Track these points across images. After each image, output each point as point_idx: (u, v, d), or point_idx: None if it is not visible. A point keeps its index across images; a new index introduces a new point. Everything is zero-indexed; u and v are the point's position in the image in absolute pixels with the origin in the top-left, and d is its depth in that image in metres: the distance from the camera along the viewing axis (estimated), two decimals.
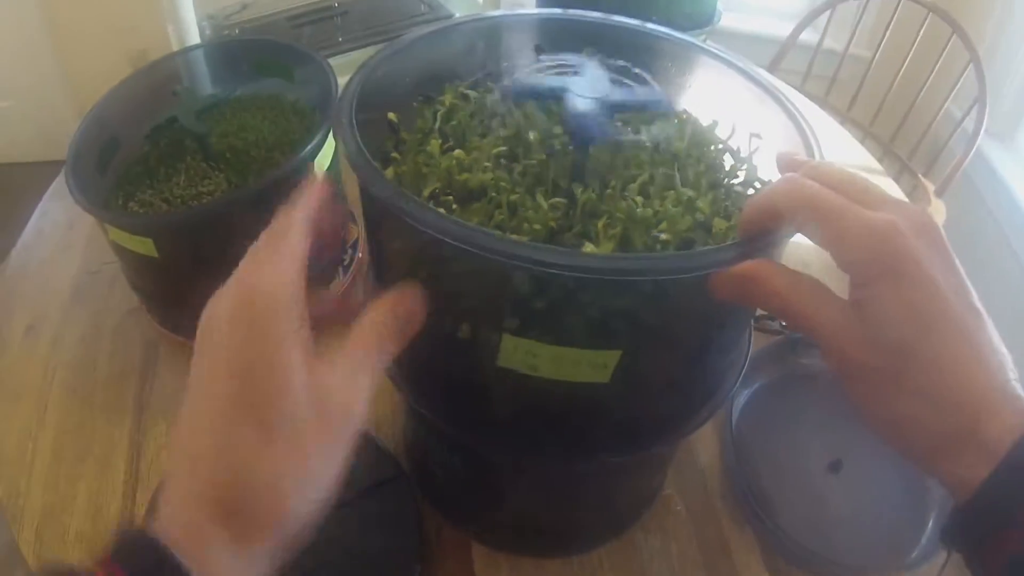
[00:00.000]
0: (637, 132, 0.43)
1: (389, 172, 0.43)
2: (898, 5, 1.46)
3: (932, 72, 1.40)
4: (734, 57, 0.47)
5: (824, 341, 0.29)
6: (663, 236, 0.37)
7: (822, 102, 1.48)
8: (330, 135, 0.69)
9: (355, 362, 0.31)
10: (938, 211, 1.35)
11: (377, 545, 0.55)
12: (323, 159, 0.67)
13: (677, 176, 0.41)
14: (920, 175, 1.45)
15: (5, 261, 0.83)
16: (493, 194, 0.40)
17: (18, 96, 2.11)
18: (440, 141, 0.44)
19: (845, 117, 1.56)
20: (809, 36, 1.62)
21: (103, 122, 0.68)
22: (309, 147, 0.63)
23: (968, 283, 0.29)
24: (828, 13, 1.54)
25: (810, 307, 0.30)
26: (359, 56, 1.02)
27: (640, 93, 0.43)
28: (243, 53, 0.78)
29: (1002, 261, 1.51)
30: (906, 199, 0.90)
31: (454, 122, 0.46)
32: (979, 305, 0.29)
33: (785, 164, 0.35)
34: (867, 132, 1.56)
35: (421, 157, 0.43)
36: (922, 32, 1.42)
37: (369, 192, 0.35)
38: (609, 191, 0.39)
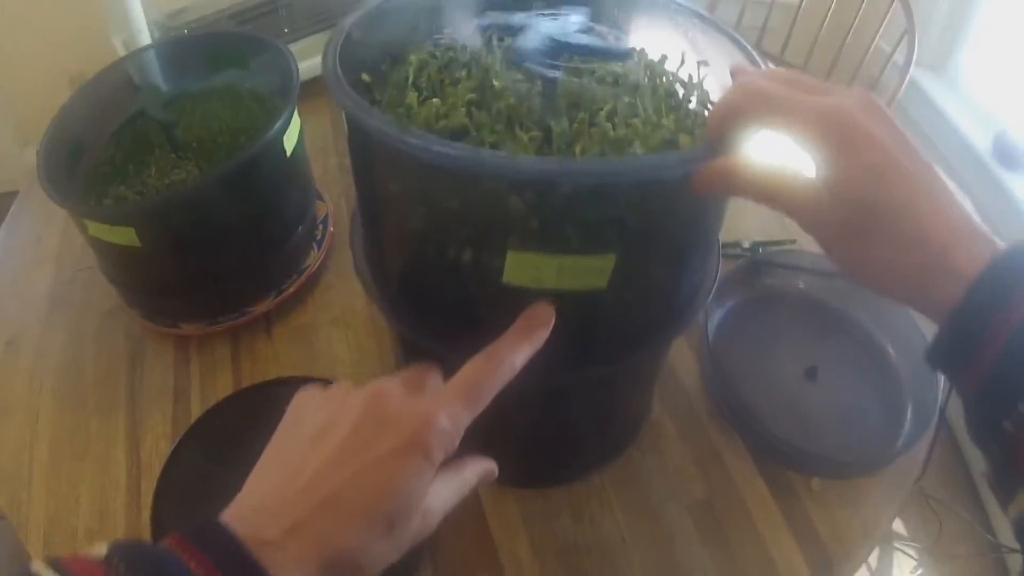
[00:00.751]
0: (595, 71, 0.46)
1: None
2: None
3: (859, 10, 1.46)
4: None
5: (800, 212, 0.33)
6: (638, 151, 0.40)
7: (755, 48, 1.52)
8: (295, 116, 0.70)
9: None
10: None
11: None
12: (290, 138, 0.69)
13: (639, 103, 0.43)
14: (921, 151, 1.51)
15: None
16: (474, 133, 0.42)
17: None
18: (416, 94, 0.46)
19: (779, 61, 1.61)
20: None
21: (65, 129, 0.69)
22: (277, 124, 0.64)
23: (916, 146, 0.33)
24: None
25: (785, 187, 0.34)
26: (307, 44, 1.03)
27: (594, 40, 0.46)
28: (196, 48, 0.79)
29: None
30: None
31: (426, 76, 0.48)
32: (929, 161, 0.33)
33: (738, 72, 0.39)
34: (802, 73, 1.61)
35: (401, 110, 0.46)
36: None
37: (367, 132, 0.37)
38: (577, 124, 0.42)
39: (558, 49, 0.46)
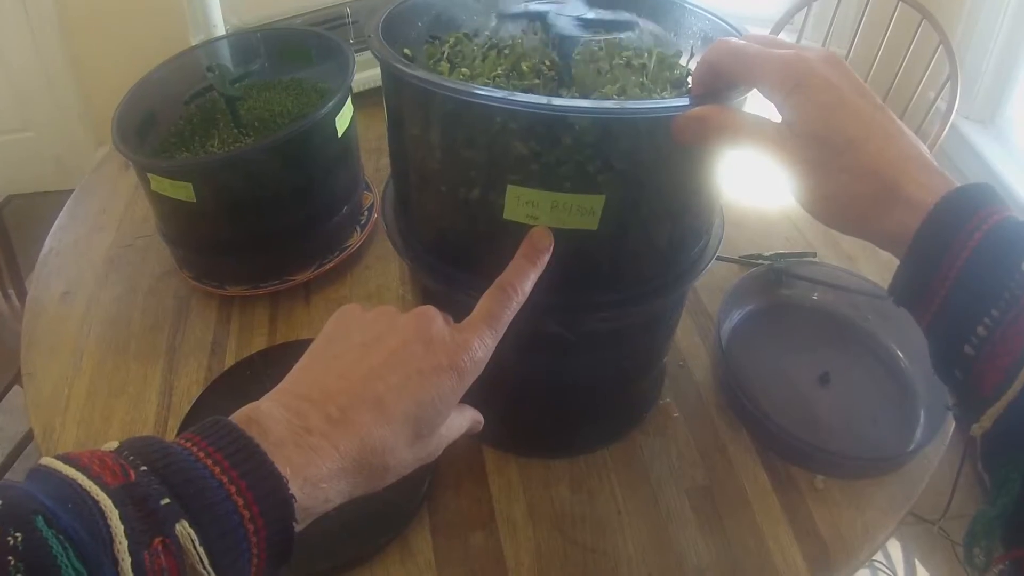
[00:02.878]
0: (611, 57, 0.49)
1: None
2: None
3: (905, 58, 1.48)
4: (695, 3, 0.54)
5: (768, 150, 0.36)
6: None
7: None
8: (348, 102, 0.76)
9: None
10: None
11: None
12: (342, 121, 0.74)
13: (646, 82, 0.47)
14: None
15: (35, 270, 0.88)
16: None
17: (38, 127, 2.21)
18: (448, 65, 0.51)
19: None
20: (787, 37, 1.70)
21: (140, 99, 0.75)
22: (331, 103, 0.69)
23: (875, 96, 0.36)
24: (804, 12, 1.63)
25: (754, 130, 0.37)
26: (369, 57, 1.10)
27: (612, 15, 0.50)
28: (265, 42, 0.86)
29: None
30: None
31: (459, 54, 0.52)
32: (889, 111, 0.35)
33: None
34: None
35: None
36: (893, 21, 1.50)
37: (400, 78, 0.41)
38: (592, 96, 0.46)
39: (588, 24, 0.50)
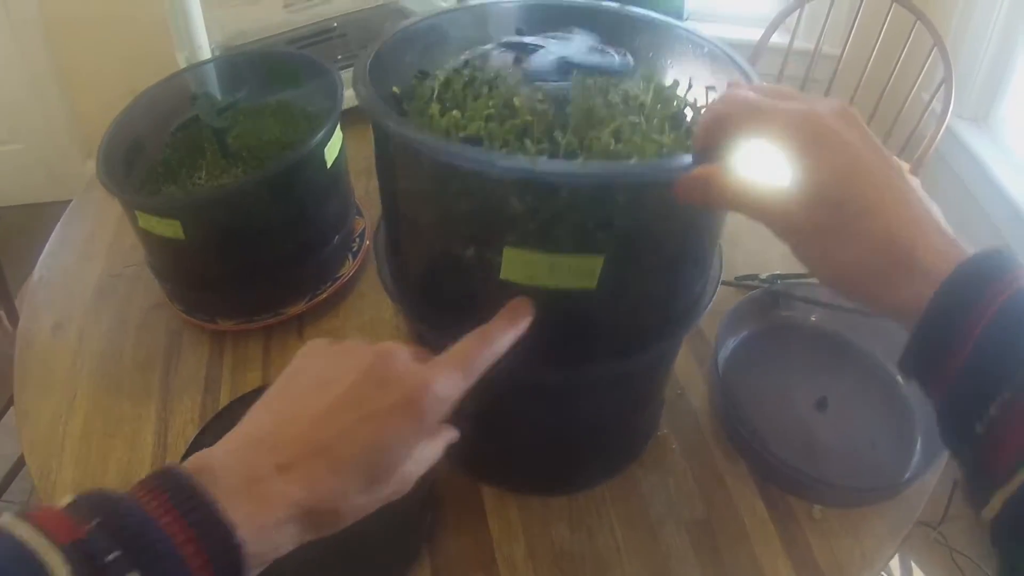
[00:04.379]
0: (606, 91, 0.49)
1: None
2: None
3: (899, 60, 1.47)
4: (696, 31, 0.53)
5: (773, 217, 0.34)
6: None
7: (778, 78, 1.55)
8: (337, 131, 0.75)
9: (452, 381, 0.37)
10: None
11: None
12: (331, 151, 0.73)
13: (643, 120, 0.46)
14: (895, 157, 1.52)
15: (26, 283, 0.88)
16: (487, 142, 0.45)
17: (27, 139, 2.19)
18: (439, 106, 0.50)
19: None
20: (780, 39, 1.69)
21: (126, 128, 0.74)
22: (319, 135, 0.69)
23: (889, 156, 0.34)
24: (797, 14, 1.62)
25: (758, 194, 0.35)
26: None
27: (602, 60, 0.50)
28: (252, 65, 0.84)
29: (981, 236, 1.57)
30: None
31: (451, 91, 0.51)
32: (903, 171, 0.34)
33: (732, 86, 0.42)
34: (789, 87, 1.63)
35: (423, 120, 0.49)
36: (887, 23, 1.49)
37: (388, 133, 0.40)
38: (581, 140, 0.45)
39: (568, 67, 0.49)
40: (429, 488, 0.59)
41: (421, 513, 0.58)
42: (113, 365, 0.75)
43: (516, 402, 0.53)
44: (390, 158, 0.46)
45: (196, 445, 0.63)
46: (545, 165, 0.35)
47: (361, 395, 0.34)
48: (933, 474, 0.63)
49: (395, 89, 0.53)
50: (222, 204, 0.66)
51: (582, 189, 0.38)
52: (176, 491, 0.29)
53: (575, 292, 0.41)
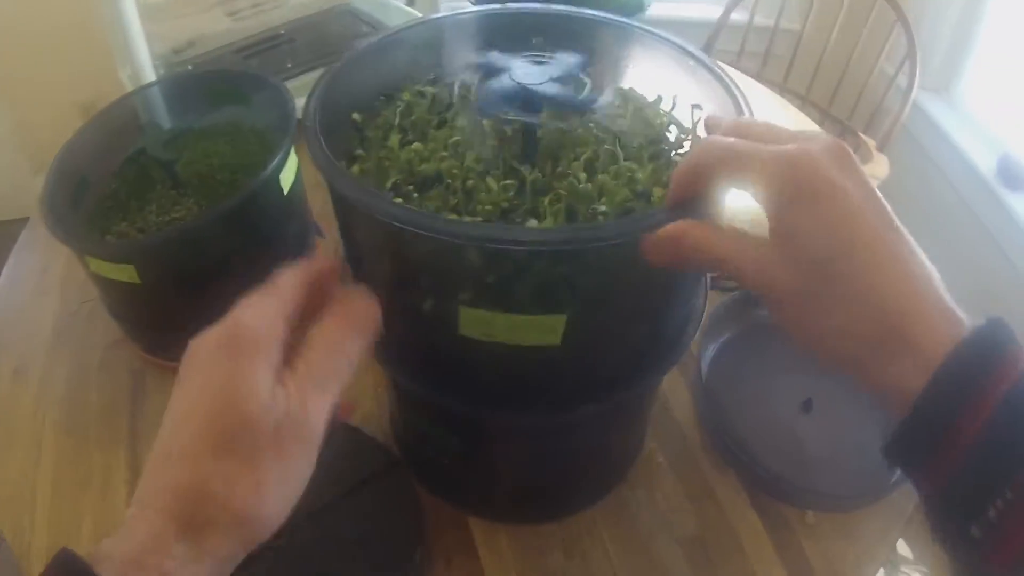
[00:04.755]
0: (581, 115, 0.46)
1: (355, 169, 0.46)
2: None
3: (861, 35, 1.47)
4: (669, 35, 0.51)
5: (750, 277, 0.30)
6: (602, 208, 0.40)
7: (758, 76, 1.54)
8: (291, 152, 0.72)
9: (315, 381, 0.32)
10: (881, 165, 1.41)
11: (377, 532, 0.57)
12: (287, 175, 0.70)
13: (619, 151, 0.44)
14: (860, 133, 1.52)
15: None
16: (448, 181, 0.43)
17: None
18: (400, 136, 0.47)
19: (783, 88, 1.63)
20: (739, 16, 1.68)
21: (71, 163, 0.70)
22: (273, 163, 0.65)
23: (886, 205, 0.30)
24: None
25: (733, 251, 0.31)
26: (310, 79, 1.05)
27: (562, 92, 0.47)
28: (199, 85, 0.81)
29: (948, 208, 1.58)
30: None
31: (413, 117, 0.49)
32: (899, 224, 0.30)
33: (710, 126, 0.38)
34: (805, 99, 1.63)
35: (383, 152, 0.47)
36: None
37: (336, 190, 0.38)
38: (559, 169, 0.42)
39: (525, 97, 0.44)
40: (418, 525, 0.57)
41: (408, 550, 0.56)
42: (78, 412, 0.72)
43: (497, 440, 0.52)
44: (342, 209, 0.43)
45: None
46: (493, 231, 0.33)
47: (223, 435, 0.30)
48: None
49: (355, 116, 0.50)
50: (178, 244, 0.62)
51: (538, 252, 0.35)
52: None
53: (541, 347, 0.39)
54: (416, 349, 0.45)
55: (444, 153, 0.45)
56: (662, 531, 0.59)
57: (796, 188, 0.29)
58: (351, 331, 0.33)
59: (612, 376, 0.44)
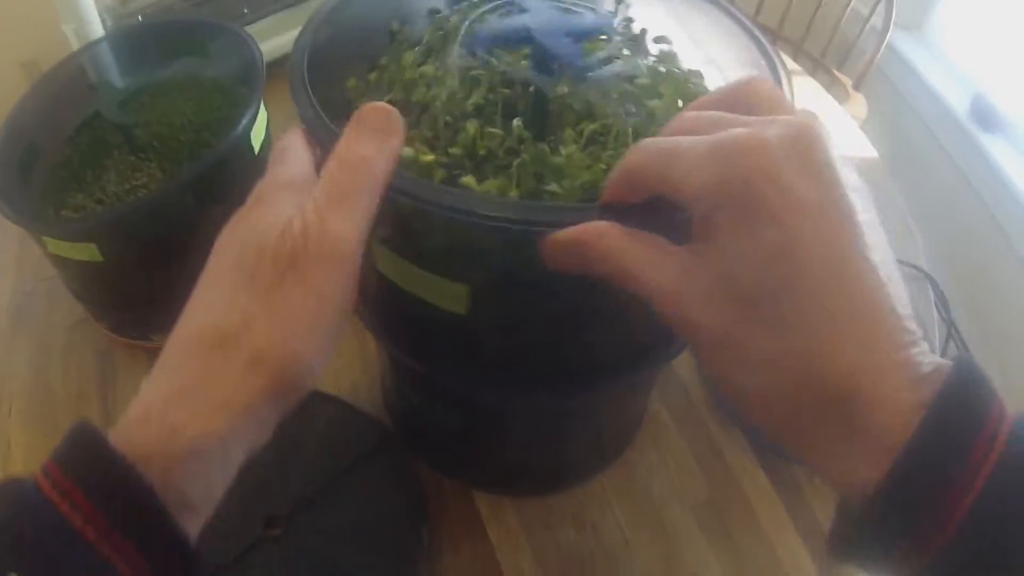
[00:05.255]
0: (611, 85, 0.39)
1: (352, 82, 0.42)
2: None
3: None
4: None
5: (660, 304, 0.24)
6: (553, 188, 0.35)
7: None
8: (261, 109, 0.66)
9: (332, 195, 0.28)
10: (858, 104, 1.39)
11: (379, 511, 0.55)
12: (257, 134, 0.65)
13: (629, 132, 0.37)
14: (835, 71, 1.49)
15: None
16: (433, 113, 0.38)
17: None
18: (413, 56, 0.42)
19: (753, 23, 1.59)
20: None
21: (18, 131, 0.64)
22: (243, 122, 0.60)
23: (859, 214, 0.22)
24: None
25: (642, 263, 0.25)
26: (269, 24, 0.98)
27: (590, 18, 0.42)
28: (151, 38, 0.74)
29: (923, 148, 1.58)
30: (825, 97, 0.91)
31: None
32: (873, 250, 0.22)
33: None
34: (776, 35, 1.59)
35: (388, 72, 0.42)
36: None
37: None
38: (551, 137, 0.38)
39: (518, 41, 0.39)
40: (420, 503, 0.55)
41: (414, 531, 0.54)
42: (45, 402, 0.67)
43: (495, 418, 0.49)
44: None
45: None
46: (408, 185, 0.29)
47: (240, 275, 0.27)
48: None
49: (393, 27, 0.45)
50: (141, 217, 0.57)
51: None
52: (80, 466, 0.24)
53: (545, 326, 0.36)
54: (391, 310, 0.42)
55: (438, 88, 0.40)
56: (672, 496, 0.58)
57: (728, 190, 0.22)
58: (366, 134, 0.28)
59: (613, 363, 0.42)
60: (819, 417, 0.22)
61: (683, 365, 0.66)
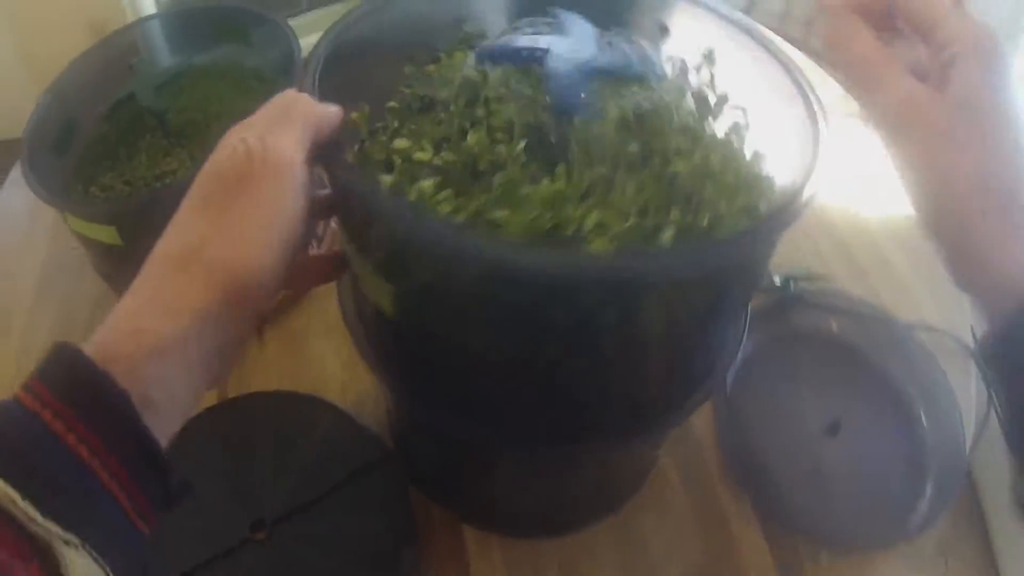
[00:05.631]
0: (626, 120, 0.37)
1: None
2: None
3: None
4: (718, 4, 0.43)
5: (893, 106, 0.33)
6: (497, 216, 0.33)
7: (802, 45, 1.43)
8: None
9: (270, 123, 0.33)
10: None
11: (366, 528, 0.53)
12: None
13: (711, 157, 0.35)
14: None
15: None
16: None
17: None
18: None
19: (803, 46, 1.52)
20: None
21: (60, 103, 0.64)
22: None
23: None
24: None
25: (884, 66, 0.34)
26: (324, 15, 0.97)
27: (627, 56, 0.39)
28: (199, 20, 0.73)
29: None
30: None
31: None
32: None
33: None
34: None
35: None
36: None
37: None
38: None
39: (588, 68, 0.37)
40: (408, 525, 0.53)
41: (398, 552, 0.52)
42: None
43: (494, 460, 0.47)
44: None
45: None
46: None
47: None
48: (943, 519, 0.58)
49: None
50: (163, 205, 0.56)
51: None
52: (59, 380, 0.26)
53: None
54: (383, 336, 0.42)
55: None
56: (669, 559, 0.55)
57: (980, 47, 0.31)
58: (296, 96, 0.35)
59: (611, 423, 0.40)
60: (1009, 198, 0.30)
61: (698, 419, 0.63)
